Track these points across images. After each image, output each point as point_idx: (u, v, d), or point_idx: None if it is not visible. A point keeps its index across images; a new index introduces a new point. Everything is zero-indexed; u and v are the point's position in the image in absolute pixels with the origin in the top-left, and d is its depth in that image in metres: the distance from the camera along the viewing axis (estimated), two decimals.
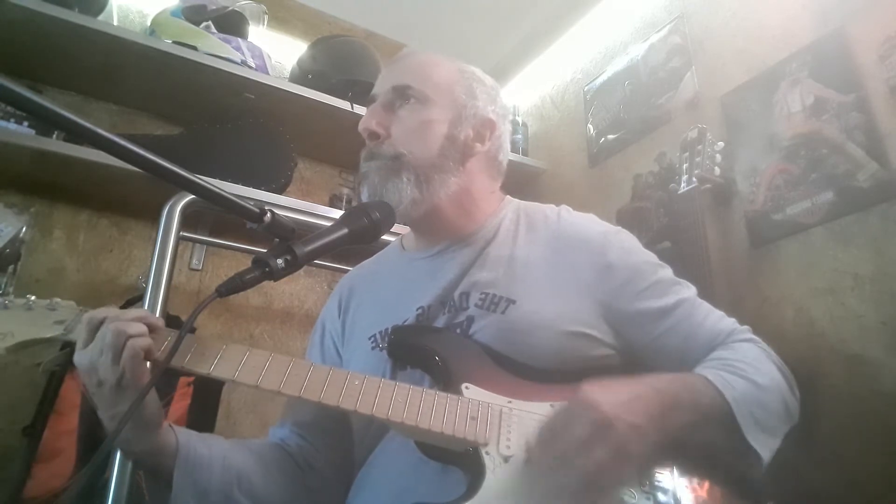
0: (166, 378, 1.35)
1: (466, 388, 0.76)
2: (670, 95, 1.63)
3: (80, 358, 0.69)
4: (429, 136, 0.92)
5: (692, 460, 0.76)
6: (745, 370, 0.78)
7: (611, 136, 1.82)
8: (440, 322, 0.87)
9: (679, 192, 1.35)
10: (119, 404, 0.69)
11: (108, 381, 0.67)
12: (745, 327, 0.89)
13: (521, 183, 2.02)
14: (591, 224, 0.95)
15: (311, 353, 1.02)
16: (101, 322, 0.68)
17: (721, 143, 1.36)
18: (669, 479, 0.75)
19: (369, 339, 0.91)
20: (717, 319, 0.88)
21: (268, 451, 0.89)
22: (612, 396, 0.67)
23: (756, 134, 1.37)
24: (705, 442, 0.74)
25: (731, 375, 0.76)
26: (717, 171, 1.35)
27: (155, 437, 0.75)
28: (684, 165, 1.37)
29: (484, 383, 0.77)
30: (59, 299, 0.76)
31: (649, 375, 0.74)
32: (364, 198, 0.90)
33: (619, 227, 0.96)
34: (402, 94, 0.93)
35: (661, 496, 0.73)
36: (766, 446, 0.74)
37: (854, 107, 1.18)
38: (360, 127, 0.92)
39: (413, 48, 2.29)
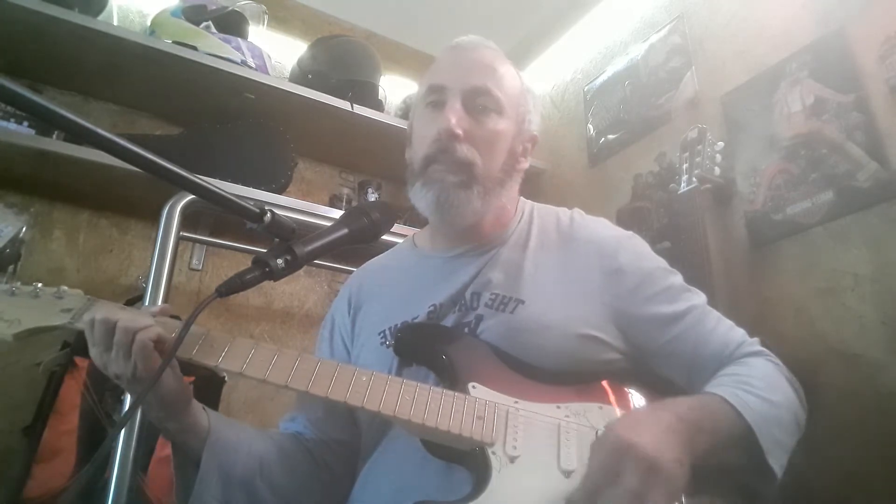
0: None
1: (473, 387, 0.76)
2: (670, 95, 1.63)
3: (93, 354, 0.71)
4: (497, 149, 0.91)
5: (708, 481, 0.74)
6: (761, 389, 0.77)
7: (611, 136, 1.82)
8: (449, 321, 0.87)
9: (679, 192, 1.35)
10: None
11: (124, 375, 0.69)
12: (755, 339, 0.88)
13: (521, 183, 2.01)
14: (602, 228, 0.96)
15: (321, 348, 1.02)
16: (113, 323, 0.70)
17: (721, 143, 1.36)
18: (689, 500, 0.74)
19: (379, 334, 0.91)
20: (727, 329, 0.87)
21: (288, 442, 0.90)
22: (648, 435, 0.64)
23: (756, 134, 1.36)
24: (722, 463, 0.73)
25: (747, 395, 0.75)
26: (717, 171, 1.35)
27: (184, 417, 0.76)
28: (684, 165, 1.37)
29: (491, 383, 0.77)
30: (66, 287, 0.76)
31: (668, 401, 0.73)
32: (428, 200, 0.88)
33: (632, 233, 0.96)
34: (480, 98, 0.90)
35: None
36: (780, 464, 0.73)
37: (854, 107, 1.18)
38: (442, 126, 0.87)
39: (413, 48, 2.29)
